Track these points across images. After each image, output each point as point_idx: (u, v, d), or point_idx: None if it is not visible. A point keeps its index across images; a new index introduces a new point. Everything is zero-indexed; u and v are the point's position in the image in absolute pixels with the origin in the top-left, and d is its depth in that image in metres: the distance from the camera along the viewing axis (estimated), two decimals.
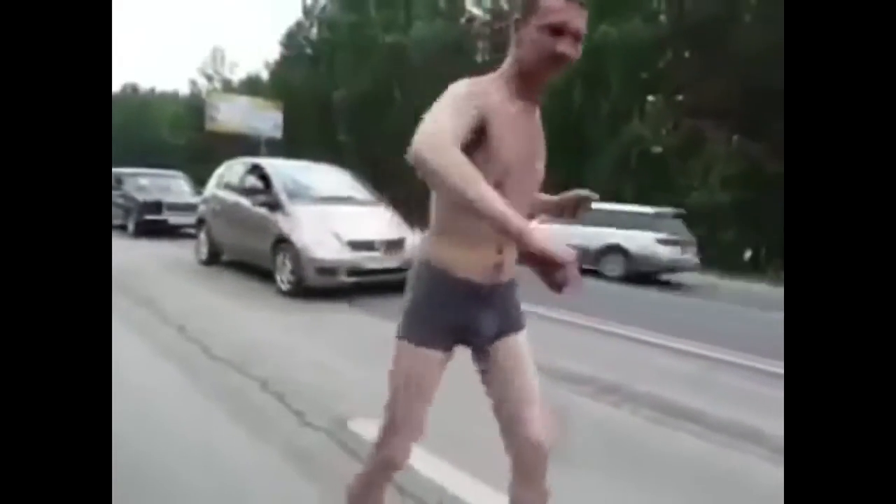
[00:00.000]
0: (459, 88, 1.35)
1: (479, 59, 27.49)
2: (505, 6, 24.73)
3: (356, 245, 6.36)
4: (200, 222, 8.40)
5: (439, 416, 3.09)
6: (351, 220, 6.71)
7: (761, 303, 8.66)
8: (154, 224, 11.45)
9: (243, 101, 27.09)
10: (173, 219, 11.62)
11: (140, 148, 39.50)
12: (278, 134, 25.24)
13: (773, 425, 3.19)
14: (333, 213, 6.75)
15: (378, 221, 7.03)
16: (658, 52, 20.10)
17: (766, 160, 15.07)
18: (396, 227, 7.04)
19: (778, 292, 10.06)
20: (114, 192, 11.85)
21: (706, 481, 2.65)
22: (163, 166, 16.60)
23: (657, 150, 19.97)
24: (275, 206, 6.83)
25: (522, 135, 1.45)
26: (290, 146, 22.79)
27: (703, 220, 16.20)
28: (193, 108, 38.56)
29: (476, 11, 28.08)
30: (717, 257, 14.78)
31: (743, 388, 4.13)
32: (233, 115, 24.96)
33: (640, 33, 19.13)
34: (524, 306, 1.64)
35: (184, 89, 50.39)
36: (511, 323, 1.59)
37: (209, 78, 43.27)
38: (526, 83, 1.45)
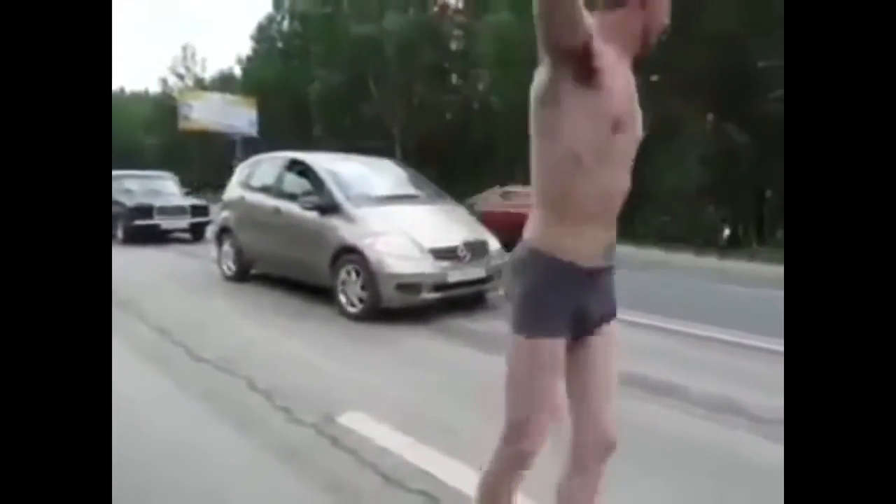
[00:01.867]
0: None
1: (453, 47, 27.37)
2: None
3: (439, 253, 5.26)
4: (223, 232, 7.17)
5: (425, 403, 3.09)
6: (425, 223, 5.65)
7: (741, 280, 8.78)
8: (145, 229, 10.67)
9: (216, 98, 26.78)
10: (165, 223, 10.96)
11: (115, 150, 38.73)
12: (254, 131, 24.98)
13: (756, 398, 3.28)
14: (403, 216, 5.66)
15: (455, 222, 5.98)
16: None
17: (738, 137, 15.24)
18: (474, 228, 6.04)
19: (756, 269, 10.22)
20: None
21: (691, 455, 2.70)
22: (138, 168, 16.24)
23: None
24: (330, 209, 5.63)
25: (626, 92, 1.39)
26: (267, 142, 22.52)
27: (682, 199, 16.35)
28: (165, 108, 37.93)
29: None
30: (696, 236, 14.94)
31: (726, 363, 4.19)
32: (206, 113, 24.66)
33: None
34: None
35: (154, 88, 49.62)
36: (610, 309, 1.54)
37: (180, 76, 42.57)
38: (630, 45, 1.42)
